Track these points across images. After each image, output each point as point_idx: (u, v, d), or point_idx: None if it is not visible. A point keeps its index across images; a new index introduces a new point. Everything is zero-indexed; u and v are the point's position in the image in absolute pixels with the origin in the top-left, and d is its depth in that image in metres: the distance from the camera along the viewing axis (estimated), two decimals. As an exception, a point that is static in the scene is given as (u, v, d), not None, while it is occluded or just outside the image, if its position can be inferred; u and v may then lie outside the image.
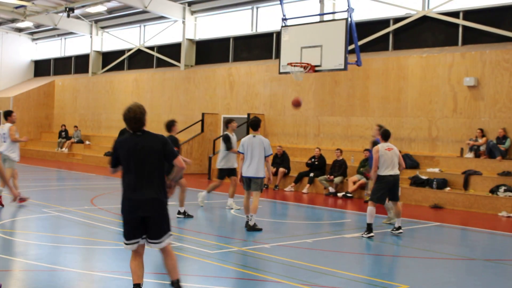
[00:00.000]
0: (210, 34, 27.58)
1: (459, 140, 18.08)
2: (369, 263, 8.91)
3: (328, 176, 18.60)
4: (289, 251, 9.45)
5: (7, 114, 13.86)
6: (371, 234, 10.83)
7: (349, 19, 17.22)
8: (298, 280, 7.57)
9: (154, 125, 28.35)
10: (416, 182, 17.18)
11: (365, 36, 21.00)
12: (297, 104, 14.81)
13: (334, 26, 17.52)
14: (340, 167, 18.64)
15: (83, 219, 11.97)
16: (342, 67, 17.01)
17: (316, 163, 19.28)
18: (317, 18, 20.30)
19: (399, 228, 11.34)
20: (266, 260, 8.68)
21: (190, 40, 27.81)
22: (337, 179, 18.36)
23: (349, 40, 17.25)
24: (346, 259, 9.26)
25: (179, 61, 28.03)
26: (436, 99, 18.91)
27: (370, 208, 10.92)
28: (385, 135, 11.31)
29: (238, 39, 26.26)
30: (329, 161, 19.36)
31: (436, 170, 17.56)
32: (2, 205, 13.16)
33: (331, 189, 18.25)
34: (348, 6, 17.32)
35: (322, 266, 8.40)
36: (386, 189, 11.09)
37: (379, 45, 21.24)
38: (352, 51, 18.38)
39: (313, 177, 18.97)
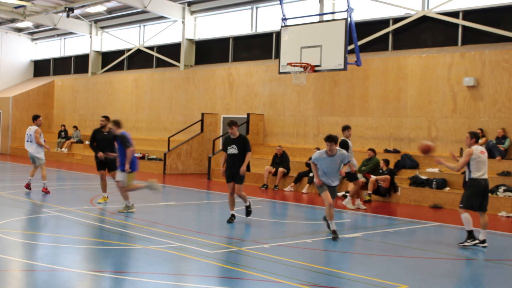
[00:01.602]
0: (209, 34, 27.58)
1: (459, 140, 18.07)
2: (369, 263, 8.90)
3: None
4: (289, 251, 9.45)
5: (34, 118, 16.16)
6: (475, 241, 10.46)
7: (349, 19, 17.23)
8: (298, 280, 7.57)
9: (154, 125, 28.38)
10: (416, 182, 17.18)
11: (365, 36, 21.01)
12: (426, 151, 12.96)
13: (334, 26, 17.53)
14: (339, 167, 18.61)
15: (82, 219, 11.96)
16: (342, 67, 17.01)
17: (316, 163, 19.24)
18: (317, 18, 20.32)
19: (484, 241, 10.51)
20: (266, 260, 8.68)
21: (190, 40, 27.81)
22: (337, 179, 18.34)
23: (349, 40, 17.26)
24: (346, 259, 9.26)
25: (178, 61, 28.03)
26: (435, 99, 18.91)
27: (465, 216, 10.42)
28: (477, 137, 10.75)
29: (238, 39, 26.27)
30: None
31: (436, 170, 17.56)
32: (30, 189, 15.65)
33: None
34: (348, 6, 17.33)
35: (322, 266, 8.39)
36: (480, 194, 10.46)
37: (379, 45, 21.25)
38: (351, 51, 18.39)
39: (313, 177, 18.92)
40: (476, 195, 10.47)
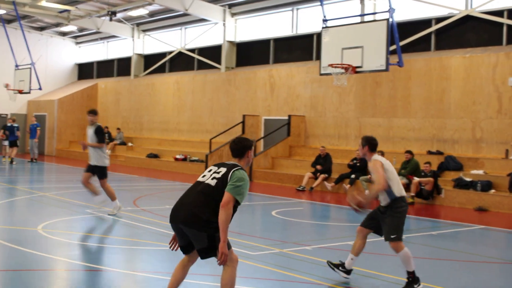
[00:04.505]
0: (250, 36, 27.65)
1: (504, 142, 17.73)
2: (412, 266, 8.78)
3: (370, 176, 18.42)
4: (331, 253, 9.41)
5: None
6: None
7: (390, 20, 17.06)
8: (340, 282, 7.53)
9: (195, 127, 28.57)
10: (460, 184, 16.91)
11: (407, 37, 20.78)
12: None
13: (375, 27, 17.38)
14: (381, 169, 18.43)
15: (126, 220, 12.11)
16: (384, 68, 16.85)
17: (358, 164, 19.14)
18: (358, 19, 20.17)
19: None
20: (308, 262, 8.66)
21: (231, 42, 27.92)
22: (379, 181, 18.16)
23: (391, 40, 17.09)
24: (388, 261, 9.16)
25: (219, 63, 28.17)
26: (480, 100, 18.59)
27: (405, 252, 7.59)
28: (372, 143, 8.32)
29: (279, 41, 26.27)
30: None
31: (481, 172, 17.26)
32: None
33: None
34: (389, 6, 17.17)
35: (364, 268, 8.34)
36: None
37: (421, 46, 21.00)
38: (393, 52, 18.21)
39: (355, 178, 18.83)
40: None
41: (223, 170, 5.85)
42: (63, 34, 37.58)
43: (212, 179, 5.82)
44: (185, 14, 28.61)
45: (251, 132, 24.95)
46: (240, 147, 6.04)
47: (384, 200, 7.63)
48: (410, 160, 17.54)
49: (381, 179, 7.42)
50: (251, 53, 27.54)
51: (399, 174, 17.63)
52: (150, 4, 27.60)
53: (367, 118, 21.47)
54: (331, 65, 17.62)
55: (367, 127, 21.34)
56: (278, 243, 10.36)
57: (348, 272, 7.76)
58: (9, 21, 32.78)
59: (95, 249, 9.38)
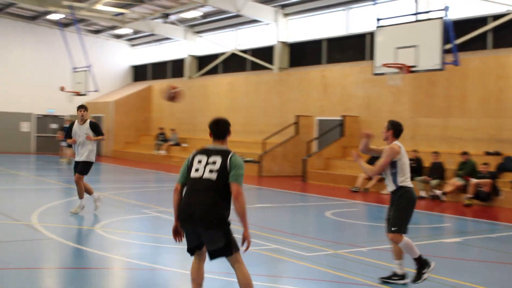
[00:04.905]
0: (303, 36, 27.60)
1: None
2: (471, 270, 8.64)
3: (426, 177, 18.14)
4: (387, 255, 9.30)
5: None
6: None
7: (445, 18, 16.78)
8: (397, 285, 7.44)
9: (249, 127, 28.66)
10: (519, 185, 16.51)
11: (462, 35, 20.39)
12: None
13: (430, 25, 17.11)
14: (437, 170, 18.15)
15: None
16: (439, 67, 16.58)
17: (413, 165, 18.84)
18: (412, 18, 19.89)
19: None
20: (364, 264, 8.59)
21: (283, 42, 27.93)
22: (435, 182, 17.90)
23: (446, 39, 16.81)
24: (446, 264, 9.01)
25: (272, 63, 28.21)
26: (540, 99, 18.10)
27: (406, 241, 7.47)
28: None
29: (331, 41, 26.15)
30: (426, 163, 18.84)
31: (541, 173, 16.81)
32: None
33: (437, 192, 17.63)
34: (444, 4, 16.89)
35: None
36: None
37: (477, 44, 20.57)
38: (448, 51, 17.90)
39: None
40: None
41: (217, 159, 5.55)
42: (118, 36, 38.28)
43: (210, 172, 5.53)
44: (237, 15, 28.77)
45: (304, 133, 24.91)
46: (225, 127, 5.78)
47: (389, 186, 7.64)
48: (467, 161, 17.21)
49: (379, 167, 7.57)
50: (303, 53, 27.49)
51: (456, 175, 17.35)
52: (202, 6, 27.85)
53: (422, 118, 21.15)
54: (385, 65, 17.45)
55: (422, 127, 21.03)
56: (331, 244, 10.31)
57: (403, 276, 7.62)
58: (66, 25, 33.59)
59: (152, 248, 9.52)
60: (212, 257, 5.67)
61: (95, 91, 28.99)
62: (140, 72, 39.32)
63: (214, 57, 32.64)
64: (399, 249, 7.59)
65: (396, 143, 7.65)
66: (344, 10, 25.55)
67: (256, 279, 7.56)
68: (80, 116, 12.43)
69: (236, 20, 30.31)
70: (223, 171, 5.51)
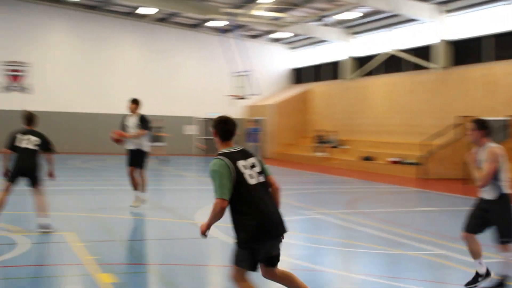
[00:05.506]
0: (465, 34, 26.40)
1: None
2: None
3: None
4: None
5: None
6: None
7: None
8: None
9: (408, 129, 27.97)
10: None
11: None
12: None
13: None
14: None
15: (341, 222, 12.25)
16: None
17: None
18: None
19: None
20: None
21: (444, 40, 26.94)
22: None
23: None
24: None
25: (432, 62, 27.33)
26: None
27: None
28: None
29: (497, 37, 24.78)
30: None
31: None
32: None
33: None
34: None
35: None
36: None
37: None
38: None
39: None
40: None
41: (255, 161, 5.51)
42: (275, 40, 39.01)
43: (259, 175, 5.48)
44: (393, 15, 28.24)
45: (468, 135, 23.80)
46: (236, 127, 5.60)
47: (489, 194, 7.06)
48: None
49: (487, 175, 6.91)
50: (466, 51, 26.31)
51: None
52: (356, 7, 27.64)
53: None
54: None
55: None
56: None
57: (488, 275, 7.13)
58: (225, 31, 34.82)
59: (312, 250, 9.60)
60: (276, 262, 5.78)
61: (256, 94, 29.69)
62: (298, 75, 39.80)
63: (371, 58, 32.24)
64: (476, 248, 7.22)
65: (494, 145, 7.11)
66: (510, 3, 24.09)
67: (421, 284, 7.38)
68: (131, 109, 12.95)
69: (392, 20, 29.72)
70: (264, 171, 5.57)
